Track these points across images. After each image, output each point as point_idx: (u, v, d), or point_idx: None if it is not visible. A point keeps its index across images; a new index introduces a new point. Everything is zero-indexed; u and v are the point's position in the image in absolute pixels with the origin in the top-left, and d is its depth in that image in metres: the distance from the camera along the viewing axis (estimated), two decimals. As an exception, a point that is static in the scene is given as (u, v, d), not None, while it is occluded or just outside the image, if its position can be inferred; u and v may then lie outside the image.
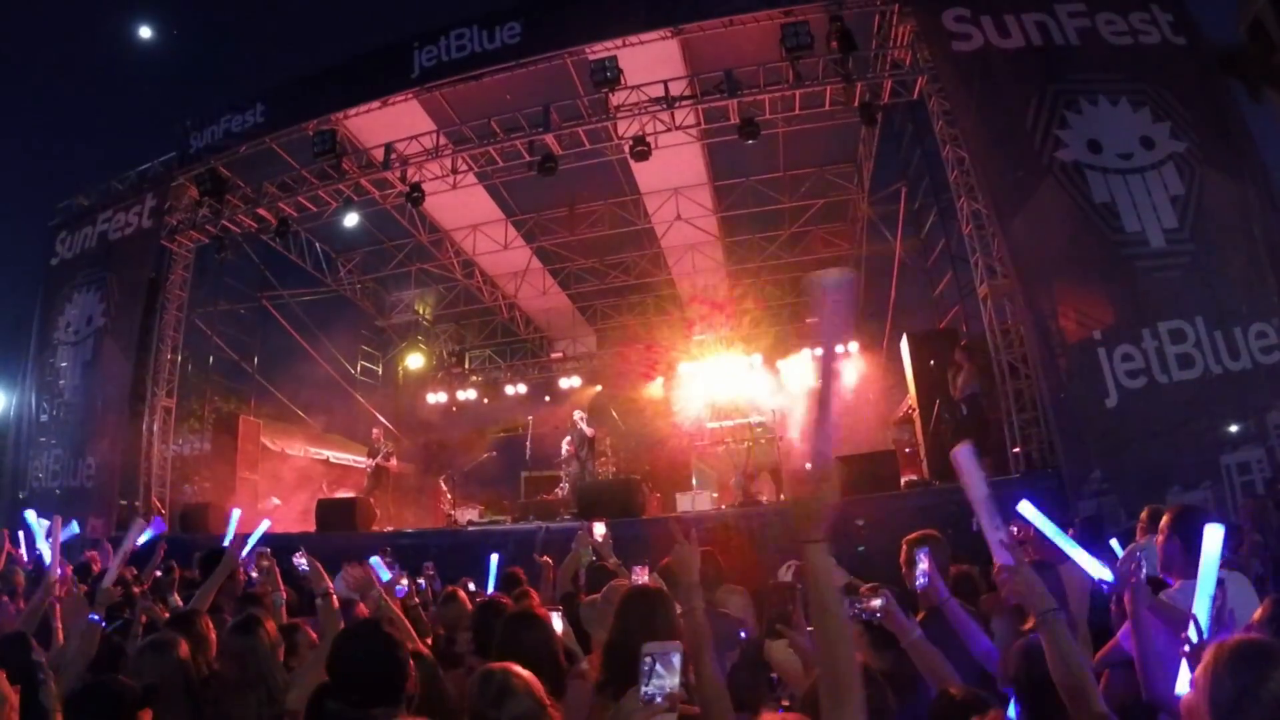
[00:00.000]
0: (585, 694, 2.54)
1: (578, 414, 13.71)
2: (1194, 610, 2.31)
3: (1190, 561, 3.20)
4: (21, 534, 7.04)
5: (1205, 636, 2.23)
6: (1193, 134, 9.34)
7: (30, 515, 6.54)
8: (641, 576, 3.62)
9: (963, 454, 2.20)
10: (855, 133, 13.59)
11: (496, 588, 5.87)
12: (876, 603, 2.82)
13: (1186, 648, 2.25)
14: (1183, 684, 2.24)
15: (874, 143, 13.64)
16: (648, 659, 1.68)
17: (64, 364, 13.99)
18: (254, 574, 4.56)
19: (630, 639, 2.07)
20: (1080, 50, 9.75)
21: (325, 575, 3.53)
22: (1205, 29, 10.31)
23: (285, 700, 2.84)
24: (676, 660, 1.68)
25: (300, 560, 3.86)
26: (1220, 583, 2.43)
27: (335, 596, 3.45)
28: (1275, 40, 10.75)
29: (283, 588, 4.26)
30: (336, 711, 2.18)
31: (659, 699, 1.66)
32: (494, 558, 6.28)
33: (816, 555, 1.64)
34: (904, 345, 11.78)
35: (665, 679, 1.67)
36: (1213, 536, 2.50)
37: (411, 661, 2.36)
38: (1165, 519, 3.35)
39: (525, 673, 2.19)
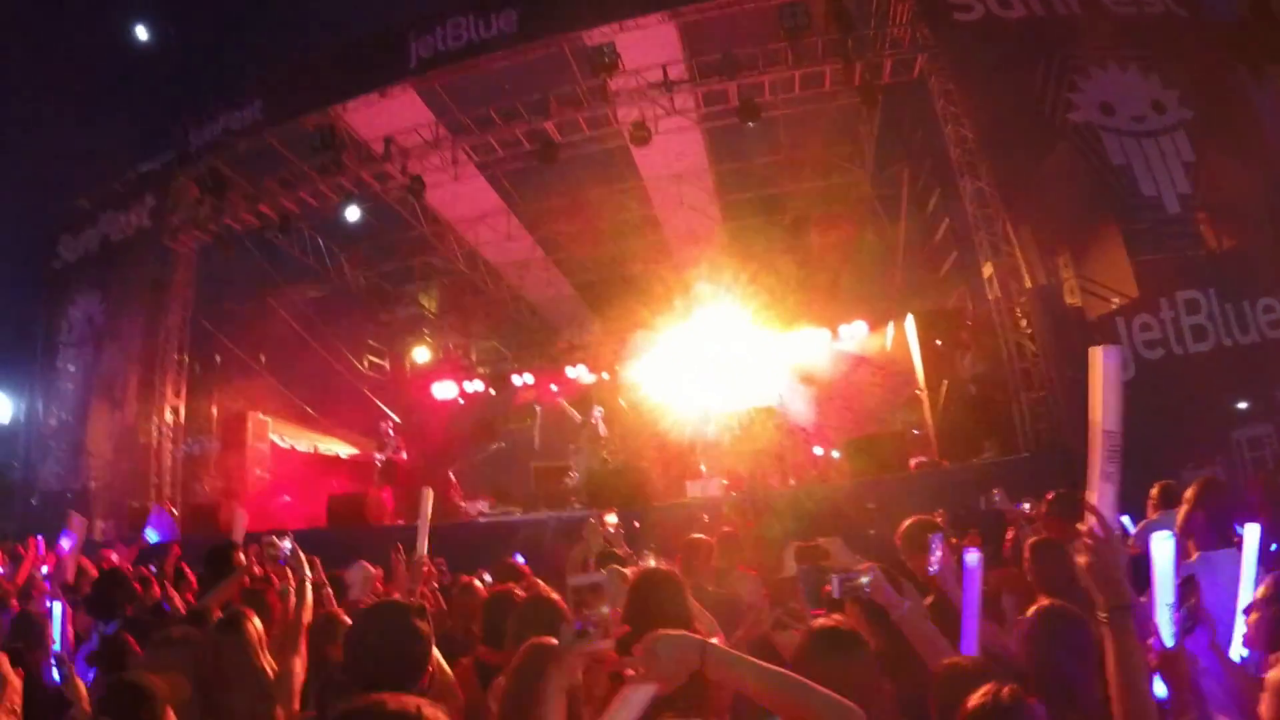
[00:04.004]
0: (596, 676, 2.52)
1: (597, 410, 13.74)
2: (1156, 620, 2.21)
3: (1211, 532, 3.16)
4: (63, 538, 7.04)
5: (1169, 646, 2.15)
6: (1200, 104, 9.23)
7: (73, 516, 6.52)
8: (647, 562, 3.62)
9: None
10: (856, 114, 13.45)
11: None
12: (864, 579, 2.80)
13: (1152, 657, 2.13)
14: (1159, 689, 2.13)
15: (875, 124, 13.52)
16: (573, 592, 1.76)
17: (70, 368, 14.01)
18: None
19: (639, 620, 2.04)
20: (1083, 20, 9.64)
21: (306, 563, 3.48)
22: (1208, 2, 10.17)
23: (278, 694, 2.81)
24: (602, 591, 1.77)
25: (284, 544, 3.62)
26: (1188, 581, 2.33)
27: (312, 585, 3.43)
28: (1279, 17, 10.59)
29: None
30: (341, 689, 2.13)
31: (590, 628, 1.72)
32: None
33: (721, 664, 1.55)
34: (909, 326, 11.71)
35: (593, 609, 1.74)
36: (1161, 548, 2.31)
37: (434, 654, 2.33)
38: (1190, 490, 3.32)
39: None
